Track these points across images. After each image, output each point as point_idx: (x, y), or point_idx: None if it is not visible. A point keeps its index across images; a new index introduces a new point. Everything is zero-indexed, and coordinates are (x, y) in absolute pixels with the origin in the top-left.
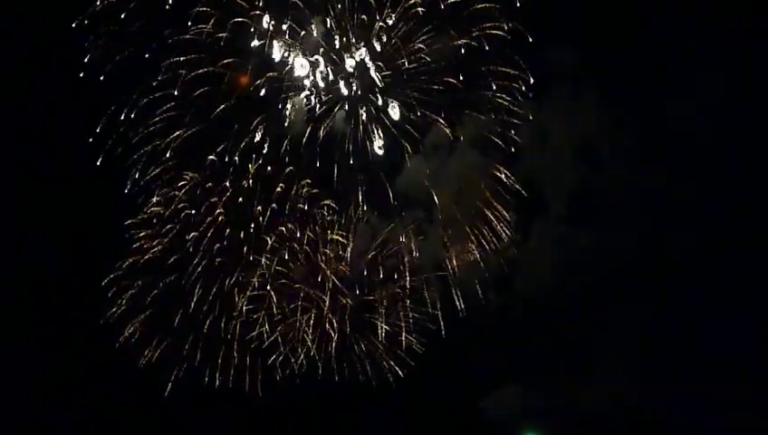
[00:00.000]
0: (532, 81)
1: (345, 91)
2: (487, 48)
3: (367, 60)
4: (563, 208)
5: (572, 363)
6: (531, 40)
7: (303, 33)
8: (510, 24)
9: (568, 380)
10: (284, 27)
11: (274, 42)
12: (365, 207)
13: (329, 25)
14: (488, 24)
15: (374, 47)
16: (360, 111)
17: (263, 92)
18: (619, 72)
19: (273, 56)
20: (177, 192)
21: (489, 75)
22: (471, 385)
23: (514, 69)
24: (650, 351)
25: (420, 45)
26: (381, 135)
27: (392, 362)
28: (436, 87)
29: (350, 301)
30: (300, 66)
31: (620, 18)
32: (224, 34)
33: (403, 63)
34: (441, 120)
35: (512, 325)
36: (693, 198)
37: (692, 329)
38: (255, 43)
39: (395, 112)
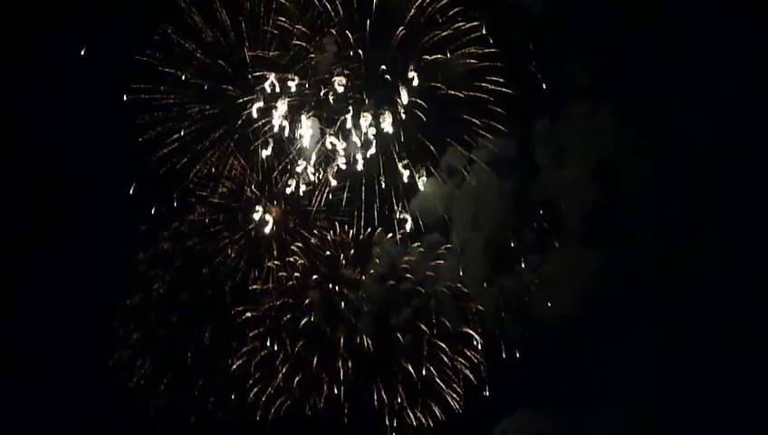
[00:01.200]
0: (548, 100)
1: (361, 165)
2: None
3: (388, 122)
4: (580, 229)
5: (586, 388)
6: (547, 59)
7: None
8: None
9: (581, 405)
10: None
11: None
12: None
13: (343, 82)
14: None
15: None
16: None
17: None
18: (636, 91)
19: (274, 122)
20: (185, 228)
21: (504, 94)
22: (484, 412)
23: (530, 87)
24: (665, 376)
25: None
26: (407, 210)
27: (418, 413)
28: (449, 112)
29: (367, 339)
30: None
31: (638, 37)
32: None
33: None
34: (455, 143)
35: (526, 349)
36: (711, 218)
37: (709, 353)
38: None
39: (422, 182)
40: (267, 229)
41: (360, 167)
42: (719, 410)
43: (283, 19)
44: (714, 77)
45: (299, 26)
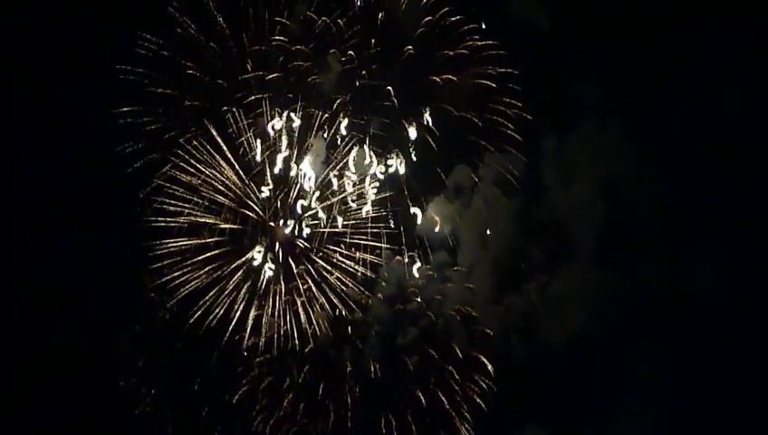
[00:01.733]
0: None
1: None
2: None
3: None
4: (589, 248)
5: (594, 406)
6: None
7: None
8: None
9: (589, 424)
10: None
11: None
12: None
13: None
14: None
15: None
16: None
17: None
18: (645, 108)
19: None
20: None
21: (511, 113)
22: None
23: (538, 106)
24: (674, 393)
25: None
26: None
27: None
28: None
29: (374, 364)
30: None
31: (645, 53)
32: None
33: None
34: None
35: (534, 369)
36: (721, 235)
37: (719, 370)
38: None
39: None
40: (270, 273)
41: (367, 200)
42: (730, 427)
43: (284, 39)
44: (723, 94)
45: (301, 47)
